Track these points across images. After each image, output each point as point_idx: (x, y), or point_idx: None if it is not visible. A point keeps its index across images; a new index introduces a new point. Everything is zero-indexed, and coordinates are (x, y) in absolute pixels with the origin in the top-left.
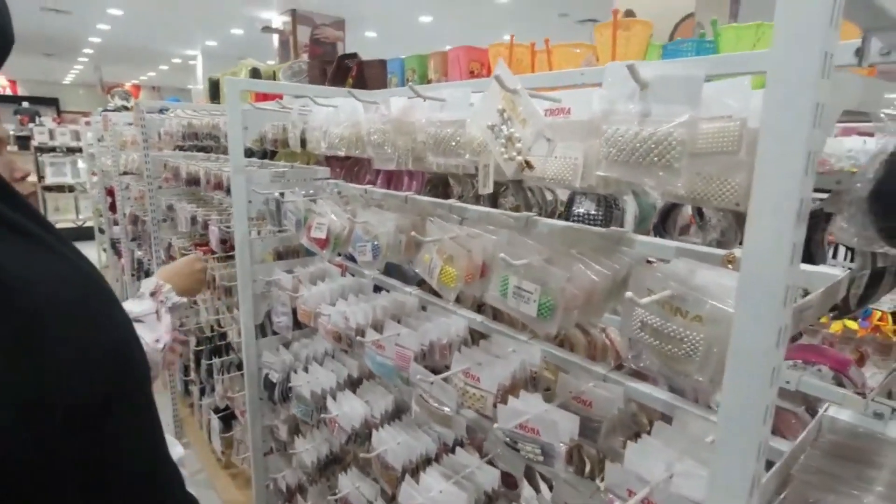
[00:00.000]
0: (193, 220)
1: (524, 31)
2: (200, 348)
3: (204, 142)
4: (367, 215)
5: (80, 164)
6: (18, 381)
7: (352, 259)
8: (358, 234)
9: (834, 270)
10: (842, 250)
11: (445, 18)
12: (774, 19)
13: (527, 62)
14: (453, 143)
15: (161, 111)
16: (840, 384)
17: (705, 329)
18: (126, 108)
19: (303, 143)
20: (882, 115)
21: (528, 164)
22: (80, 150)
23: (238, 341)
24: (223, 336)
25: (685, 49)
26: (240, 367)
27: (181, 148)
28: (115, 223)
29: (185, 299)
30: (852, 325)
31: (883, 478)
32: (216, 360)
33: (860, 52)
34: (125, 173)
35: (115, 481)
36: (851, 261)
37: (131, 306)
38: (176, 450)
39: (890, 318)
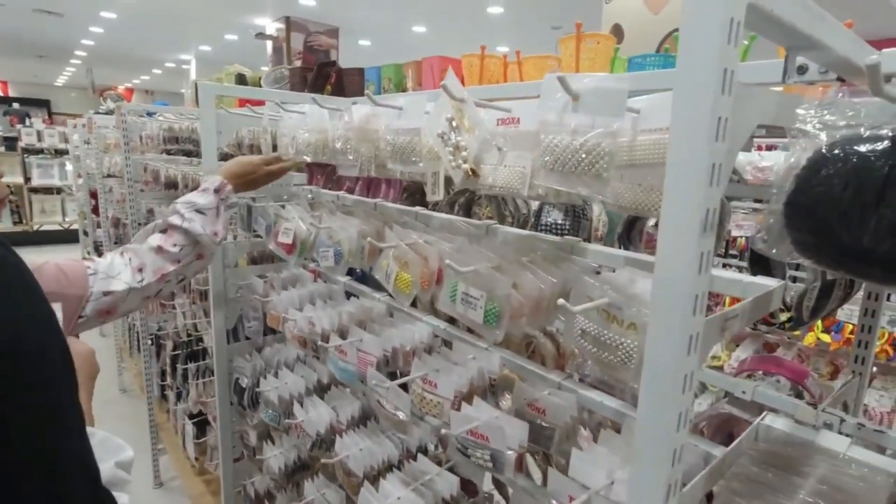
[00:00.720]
0: None
1: (517, 43)
2: (177, 353)
3: (184, 145)
4: (332, 221)
5: (68, 166)
6: None
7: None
8: (322, 240)
9: (769, 281)
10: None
11: (439, 29)
12: (679, 38)
13: (498, 73)
14: (409, 151)
15: (149, 114)
16: (798, 395)
17: (640, 337)
18: None
19: (274, 147)
20: (793, 130)
21: (474, 172)
22: (68, 152)
23: (213, 346)
24: (199, 340)
25: (651, 62)
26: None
27: (167, 152)
28: (99, 226)
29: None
30: (826, 338)
31: (809, 485)
32: (191, 365)
33: (784, 70)
34: (109, 176)
35: None
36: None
37: (197, 198)
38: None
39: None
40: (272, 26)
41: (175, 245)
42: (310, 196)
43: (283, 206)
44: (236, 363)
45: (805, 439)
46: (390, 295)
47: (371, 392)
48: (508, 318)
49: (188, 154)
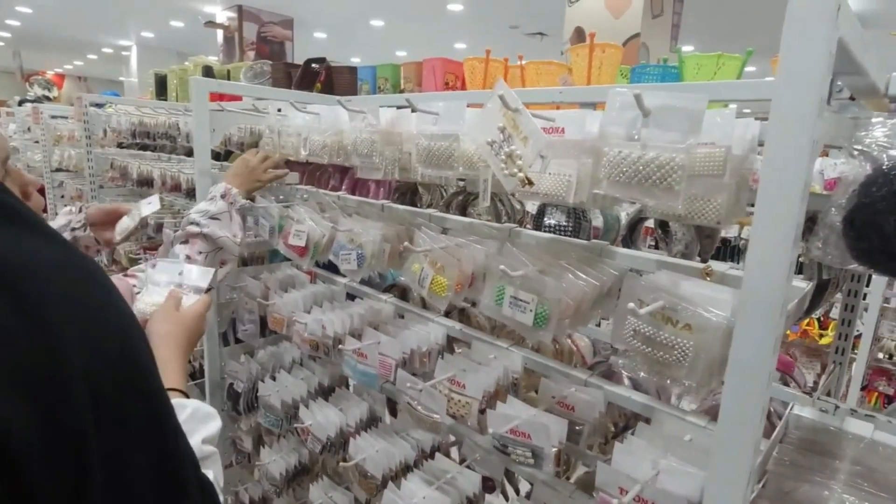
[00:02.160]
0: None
1: (475, 41)
2: None
3: (158, 141)
4: (350, 223)
5: None
6: (36, 364)
7: (322, 266)
8: (341, 243)
9: (801, 283)
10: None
11: (397, 24)
12: (778, 70)
13: (500, 76)
14: (447, 157)
15: (98, 105)
16: (786, 384)
17: (694, 337)
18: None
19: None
20: (854, 151)
21: (529, 181)
22: None
23: (195, 350)
24: None
25: (650, 73)
26: (193, 376)
27: (121, 145)
28: None
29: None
30: None
31: (844, 468)
32: None
33: (829, 91)
34: (58, 170)
35: (123, 474)
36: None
37: (208, 206)
38: (212, 426)
39: (816, 324)
40: (222, 14)
41: (200, 252)
42: (305, 197)
43: (288, 207)
44: (229, 367)
45: (833, 426)
46: (397, 297)
47: (399, 394)
48: (556, 321)
49: (145, 148)
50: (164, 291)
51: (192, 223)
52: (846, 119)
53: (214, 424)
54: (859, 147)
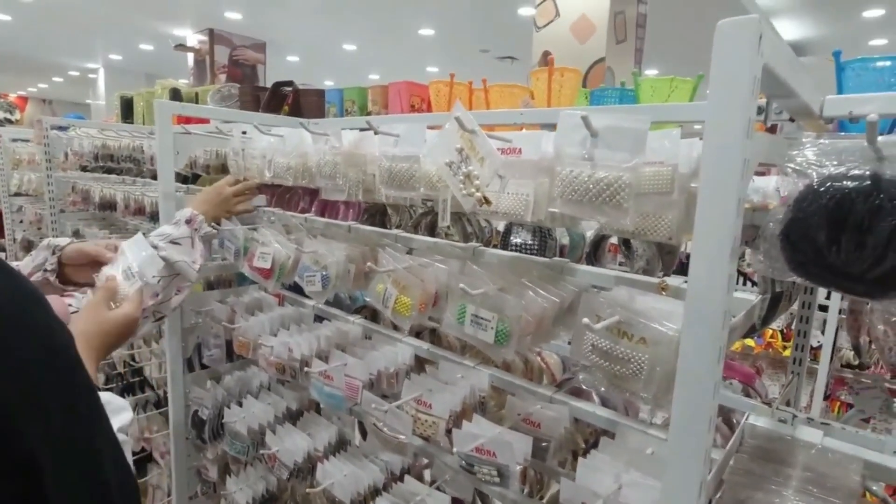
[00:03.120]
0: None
1: (446, 65)
2: (110, 386)
3: (122, 164)
4: (315, 245)
5: None
6: None
7: (290, 288)
8: (305, 265)
9: (749, 296)
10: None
11: (370, 48)
12: (710, 92)
13: (464, 99)
14: (409, 178)
15: (61, 128)
16: (748, 395)
17: (649, 350)
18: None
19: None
20: (787, 169)
21: (486, 200)
22: None
23: (158, 377)
24: (137, 372)
25: (609, 95)
26: (157, 405)
27: (84, 168)
28: (2, 248)
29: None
30: (750, 342)
31: (797, 474)
32: (130, 399)
33: (766, 113)
34: (17, 194)
35: (52, 473)
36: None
37: (170, 230)
38: (124, 417)
39: (780, 336)
40: (193, 38)
41: (154, 276)
42: (272, 219)
43: (254, 229)
44: (194, 394)
45: (786, 434)
46: (367, 318)
47: (364, 416)
48: (518, 338)
49: (110, 171)
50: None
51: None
52: (781, 139)
53: (127, 415)
54: (792, 165)
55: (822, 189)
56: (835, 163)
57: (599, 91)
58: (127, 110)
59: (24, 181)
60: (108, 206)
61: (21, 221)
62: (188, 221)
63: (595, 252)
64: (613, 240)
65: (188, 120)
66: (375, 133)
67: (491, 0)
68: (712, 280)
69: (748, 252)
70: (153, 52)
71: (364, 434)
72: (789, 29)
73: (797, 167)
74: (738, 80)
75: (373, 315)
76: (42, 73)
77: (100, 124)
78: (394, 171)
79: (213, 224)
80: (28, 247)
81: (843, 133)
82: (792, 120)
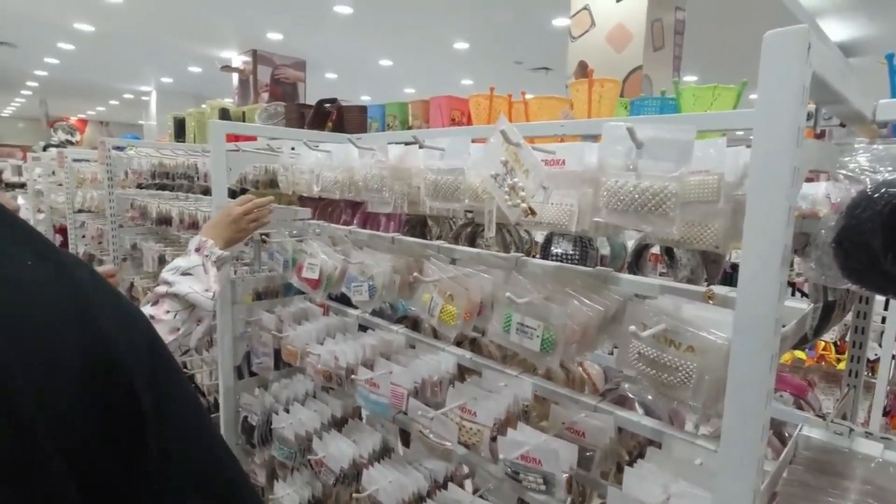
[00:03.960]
0: (161, 259)
1: (481, 77)
2: None
3: (176, 181)
4: (362, 256)
5: (21, 200)
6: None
7: (335, 299)
8: (353, 275)
9: (800, 304)
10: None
11: (405, 63)
12: (757, 101)
13: (504, 112)
14: (454, 190)
15: (119, 148)
16: (800, 408)
17: (697, 358)
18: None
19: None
20: (839, 175)
21: (532, 211)
22: (19, 185)
23: (209, 384)
24: (189, 379)
25: (649, 105)
26: (209, 411)
27: (140, 186)
28: None
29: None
30: (801, 355)
31: (855, 487)
32: None
33: (815, 120)
34: (80, 211)
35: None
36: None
37: (181, 262)
38: None
39: (833, 348)
40: (238, 59)
41: (168, 311)
42: (317, 231)
43: (300, 241)
44: (243, 400)
45: (842, 446)
46: (409, 328)
47: (410, 423)
48: (563, 346)
49: (164, 188)
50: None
51: (162, 282)
52: (831, 145)
53: None
54: (844, 171)
55: (876, 195)
56: (889, 168)
57: (639, 101)
58: (179, 129)
59: (87, 198)
60: (164, 220)
61: (83, 237)
62: (197, 249)
63: (637, 262)
64: (655, 249)
65: (237, 138)
66: (420, 147)
67: (525, 12)
68: (763, 288)
69: (796, 261)
70: (201, 73)
71: (406, 442)
72: (836, 29)
73: (850, 173)
74: (786, 90)
75: (413, 325)
76: (99, 96)
77: (156, 144)
78: (439, 184)
79: (263, 236)
80: (90, 261)
81: None
82: (843, 125)
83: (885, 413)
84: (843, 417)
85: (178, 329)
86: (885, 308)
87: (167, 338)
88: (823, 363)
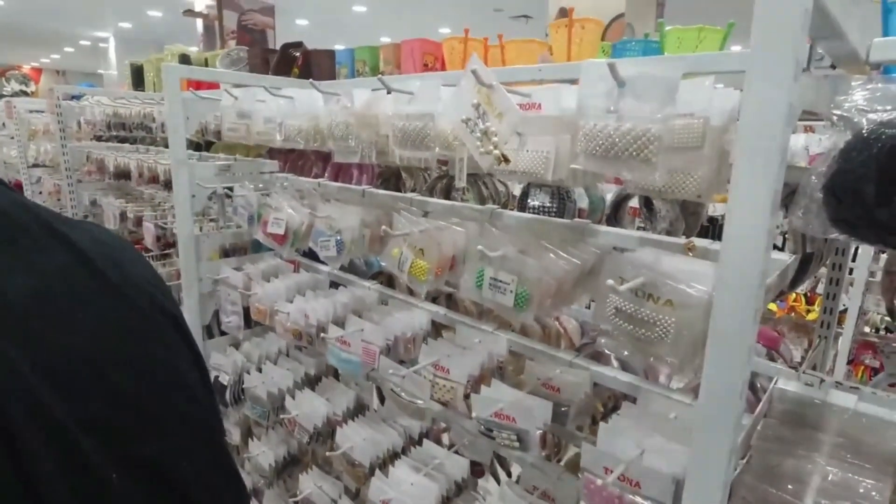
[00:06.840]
0: (123, 216)
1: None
2: None
3: (134, 132)
4: (329, 209)
5: None
6: None
7: (305, 255)
8: (320, 230)
9: (783, 256)
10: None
11: (380, 9)
12: (753, 29)
13: (480, 56)
14: (423, 137)
15: (74, 97)
16: (772, 359)
17: (676, 313)
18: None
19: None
20: (833, 116)
21: (505, 158)
22: None
23: None
24: None
25: (632, 48)
26: None
27: (99, 138)
28: None
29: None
30: (772, 306)
31: (829, 440)
32: None
33: (808, 58)
34: (35, 165)
35: None
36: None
37: None
38: None
39: (803, 300)
40: (201, 3)
41: None
42: (286, 184)
43: (266, 195)
44: (214, 360)
45: (817, 399)
46: (383, 284)
47: (382, 381)
48: (538, 301)
49: (125, 140)
50: None
51: None
52: (825, 84)
53: None
54: (839, 112)
55: (872, 137)
56: (888, 108)
57: (621, 44)
58: (137, 78)
59: (41, 152)
60: (123, 175)
61: (41, 193)
62: None
63: (615, 214)
64: (634, 202)
65: (199, 86)
66: (388, 92)
67: None
68: (751, 237)
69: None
70: (162, 18)
71: (382, 399)
72: None
73: (845, 114)
74: (788, 12)
75: (388, 281)
76: (54, 43)
77: (111, 92)
78: (407, 131)
79: (227, 190)
80: None
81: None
82: (833, 67)
83: (849, 361)
84: (814, 368)
85: None
86: (853, 259)
87: None
88: (793, 314)
